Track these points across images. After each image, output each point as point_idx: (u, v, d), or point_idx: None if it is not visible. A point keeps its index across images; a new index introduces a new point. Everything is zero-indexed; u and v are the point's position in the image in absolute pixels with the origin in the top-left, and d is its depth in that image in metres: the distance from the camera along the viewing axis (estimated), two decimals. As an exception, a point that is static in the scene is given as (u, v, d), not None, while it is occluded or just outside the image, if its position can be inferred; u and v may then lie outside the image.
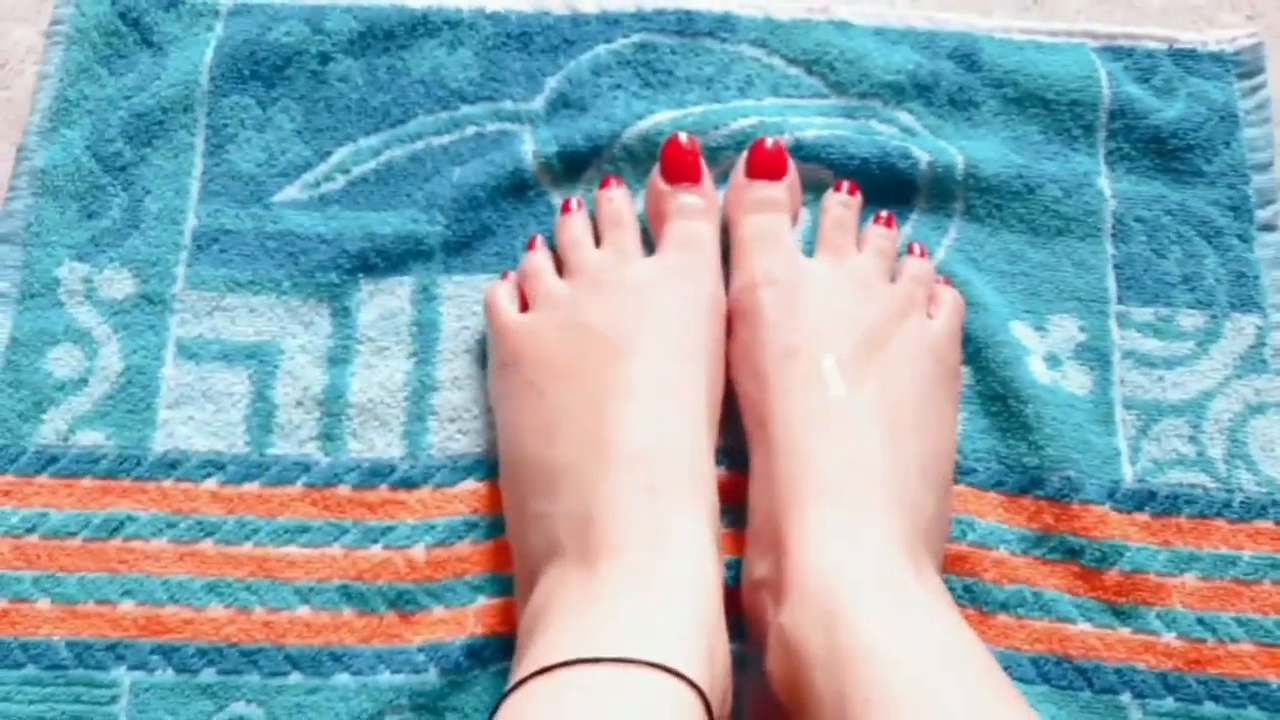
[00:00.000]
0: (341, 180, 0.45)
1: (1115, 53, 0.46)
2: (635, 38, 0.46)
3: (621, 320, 0.38)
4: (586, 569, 0.33)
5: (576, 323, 0.39)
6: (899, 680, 0.28)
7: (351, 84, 0.46)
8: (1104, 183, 0.44)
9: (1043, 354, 0.42)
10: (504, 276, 0.43)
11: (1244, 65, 0.46)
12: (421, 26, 0.46)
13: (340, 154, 0.45)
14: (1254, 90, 0.46)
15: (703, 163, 0.42)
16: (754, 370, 0.38)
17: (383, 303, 0.43)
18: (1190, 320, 0.43)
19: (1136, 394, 0.42)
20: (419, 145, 0.45)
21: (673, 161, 0.42)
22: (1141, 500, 0.41)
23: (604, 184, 0.43)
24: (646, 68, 0.46)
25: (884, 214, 0.43)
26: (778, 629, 0.32)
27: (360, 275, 0.43)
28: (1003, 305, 0.43)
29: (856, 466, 0.35)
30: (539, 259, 0.42)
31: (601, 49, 0.46)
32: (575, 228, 0.42)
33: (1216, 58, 0.46)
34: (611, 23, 0.46)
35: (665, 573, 0.32)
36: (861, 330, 0.38)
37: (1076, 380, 0.42)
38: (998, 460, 0.41)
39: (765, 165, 0.42)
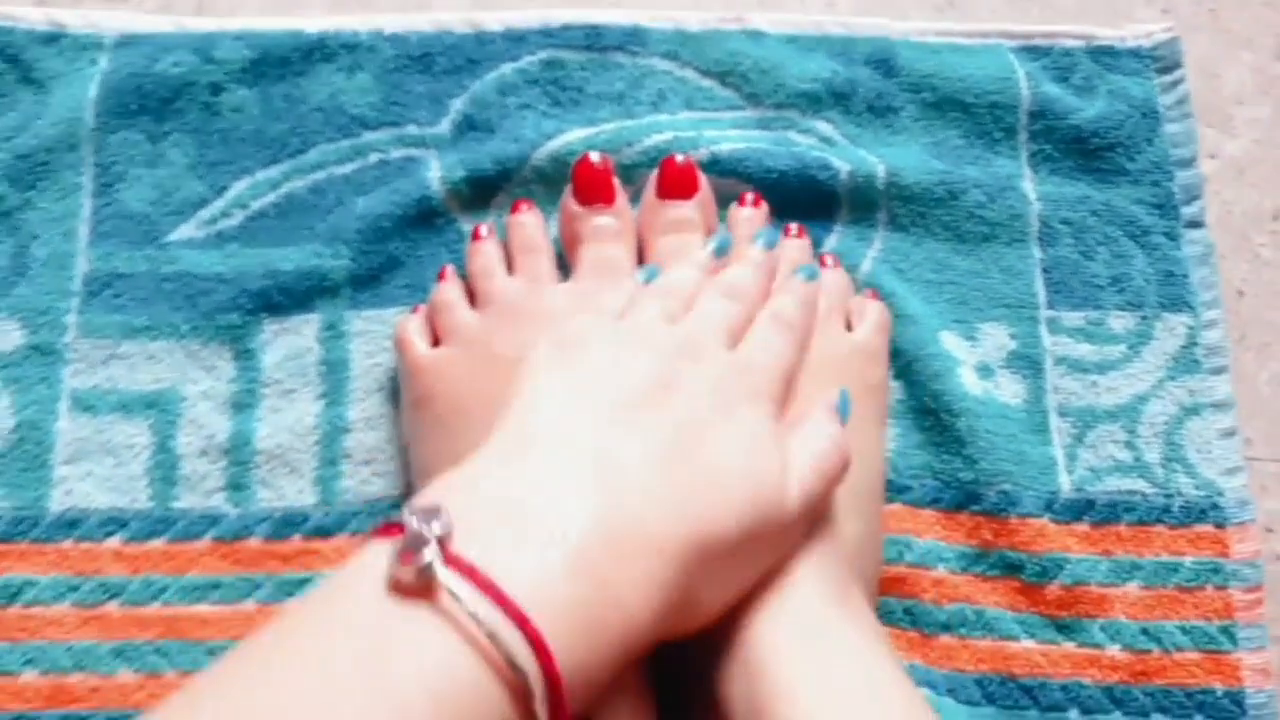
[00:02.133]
0: (239, 216, 0.43)
1: (1033, 52, 0.45)
2: (542, 55, 0.44)
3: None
4: None
5: (489, 355, 0.37)
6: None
7: (246, 114, 0.44)
8: (1028, 185, 0.44)
9: (974, 364, 0.41)
10: (414, 310, 0.41)
11: (1162, 60, 0.45)
12: (318, 51, 0.44)
13: (237, 188, 0.43)
14: (1173, 85, 0.45)
15: (616, 182, 0.41)
16: None
17: (288, 343, 0.41)
18: (1121, 322, 0.42)
19: (1070, 401, 0.41)
20: (320, 175, 0.43)
21: (585, 182, 0.40)
22: (1080, 510, 0.40)
23: (514, 208, 0.42)
24: (555, 85, 0.44)
25: (794, 226, 0.41)
26: (703, 682, 0.31)
27: (263, 315, 0.41)
28: (931, 316, 0.42)
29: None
30: (449, 290, 0.40)
31: (507, 68, 0.44)
32: (486, 256, 0.40)
33: (1135, 54, 0.45)
34: (517, 40, 0.45)
35: None
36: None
37: (1009, 389, 0.41)
38: (933, 476, 0.40)
39: (675, 184, 0.40)
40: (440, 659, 0.23)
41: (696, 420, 0.29)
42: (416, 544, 0.24)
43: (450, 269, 0.41)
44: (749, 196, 0.41)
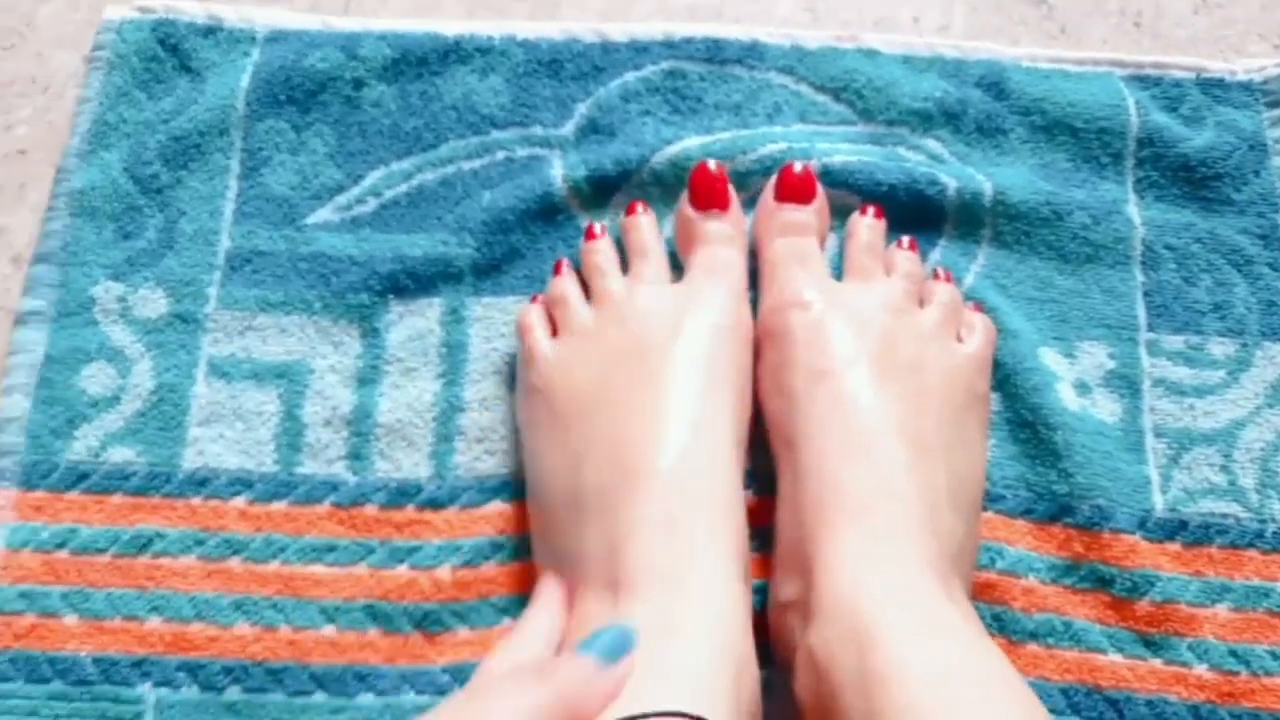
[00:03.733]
0: (373, 203, 0.45)
1: (1143, 81, 0.46)
2: (664, 65, 0.46)
3: (644, 348, 0.38)
4: (611, 598, 0.33)
5: (602, 351, 0.39)
6: (930, 702, 0.28)
7: (384, 109, 0.46)
8: (1133, 210, 0.44)
9: (1072, 381, 0.42)
10: (534, 299, 0.43)
11: (1272, 94, 0.46)
12: (454, 53, 0.47)
13: (372, 177, 0.45)
14: (1283, 119, 0.46)
15: (730, 189, 0.42)
16: (783, 391, 0.38)
17: (412, 324, 0.44)
18: (1221, 348, 0.43)
19: (1167, 422, 0.42)
20: (450, 169, 0.45)
21: (701, 188, 0.42)
22: (1173, 530, 0.40)
23: (630, 210, 0.44)
24: (675, 94, 0.46)
25: (907, 239, 0.43)
26: (806, 650, 0.32)
27: (390, 296, 0.44)
28: (1031, 332, 0.43)
29: (885, 490, 0.35)
30: (566, 285, 0.42)
31: (630, 76, 0.46)
32: (601, 254, 0.42)
33: (1245, 87, 0.46)
34: (641, 50, 0.47)
35: (682, 612, 0.32)
36: (891, 354, 0.38)
37: (1106, 407, 0.42)
38: (1027, 487, 0.41)
39: (794, 189, 0.42)
40: None
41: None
42: None
43: (566, 263, 0.43)
44: (870, 208, 0.43)
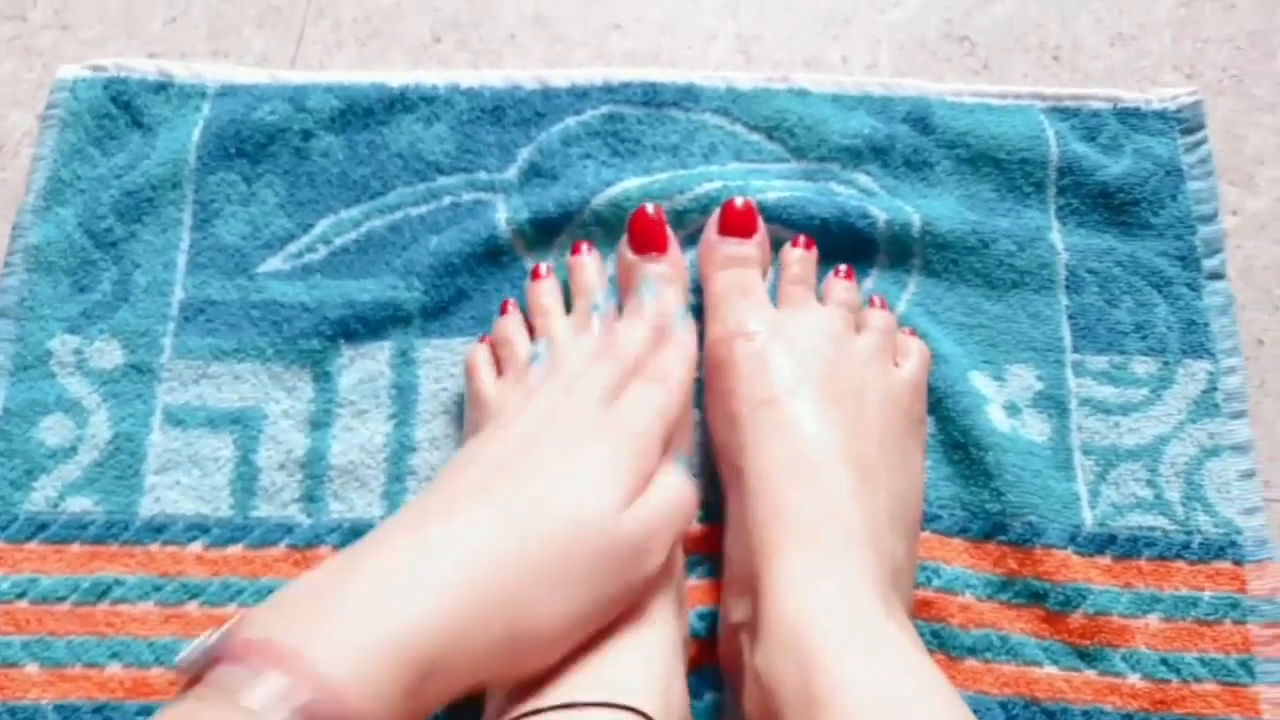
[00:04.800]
0: (323, 251, 0.46)
1: (1062, 113, 0.48)
2: (603, 109, 0.48)
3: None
4: None
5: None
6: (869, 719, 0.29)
7: (333, 159, 0.48)
8: (1056, 237, 0.46)
9: (1002, 402, 0.44)
10: (482, 339, 0.44)
11: (1186, 121, 0.48)
12: (399, 103, 0.48)
13: (322, 225, 0.47)
14: (1196, 145, 0.47)
15: (669, 231, 0.44)
16: (729, 419, 0.39)
17: (363, 367, 0.45)
18: (1144, 367, 0.44)
19: (1094, 440, 0.43)
20: (398, 215, 0.47)
21: (640, 232, 0.43)
22: (1102, 544, 0.41)
23: (574, 249, 0.45)
24: (614, 137, 0.48)
25: (844, 268, 0.44)
26: (753, 670, 0.33)
27: (341, 341, 0.45)
28: (962, 356, 0.44)
29: (829, 512, 0.36)
30: (511, 326, 0.43)
31: (571, 120, 0.48)
32: (545, 294, 0.43)
33: (1160, 115, 0.48)
34: (580, 95, 0.48)
35: (615, 635, 0.34)
36: (832, 380, 0.39)
37: (1035, 427, 0.43)
38: (961, 507, 0.42)
39: (736, 223, 0.43)
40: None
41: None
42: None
43: (512, 303, 0.44)
44: (801, 239, 0.44)
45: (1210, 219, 0.46)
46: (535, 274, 0.45)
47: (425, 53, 0.51)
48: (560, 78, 0.49)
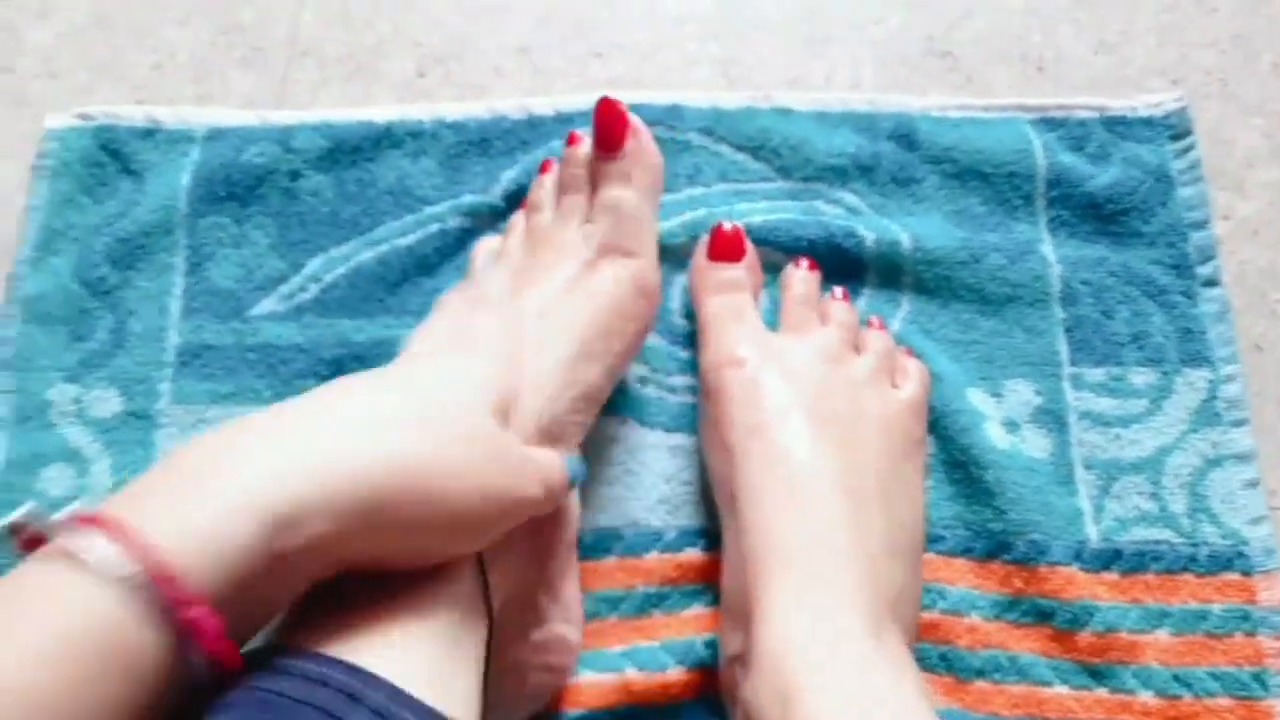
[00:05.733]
0: (314, 289, 0.46)
1: (1049, 124, 0.48)
2: (588, 130, 0.48)
3: (531, 270, 0.40)
4: None
5: (507, 274, 0.41)
6: None
7: (322, 198, 0.48)
8: (1047, 249, 0.46)
9: (1000, 419, 0.43)
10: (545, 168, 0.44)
11: (1173, 128, 0.48)
12: (386, 139, 0.48)
13: (313, 264, 0.47)
14: (1185, 151, 0.47)
15: (634, 124, 0.41)
16: (723, 447, 0.39)
17: (359, 406, 0.45)
18: (1142, 378, 0.44)
19: (1095, 454, 0.43)
20: (385, 247, 0.47)
21: (599, 128, 0.41)
22: (1108, 559, 0.41)
23: (569, 140, 0.43)
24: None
25: (840, 289, 0.44)
26: (743, 703, 0.33)
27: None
28: (958, 373, 0.44)
29: (820, 540, 0.35)
30: (517, 219, 0.44)
31: (557, 144, 0.48)
32: (542, 191, 0.44)
33: (1147, 122, 0.48)
34: (565, 121, 0.48)
35: None
36: (827, 403, 0.39)
37: (1035, 443, 0.43)
38: (964, 527, 0.42)
39: (726, 247, 0.43)
40: (65, 599, 0.23)
41: None
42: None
43: (532, 193, 0.44)
44: (804, 260, 0.45)
45: (1202, 225, 0.46)
46: (544, 167, 0.44)
47: (410, 88, 0.51)
48: (545, 105, 0.49)
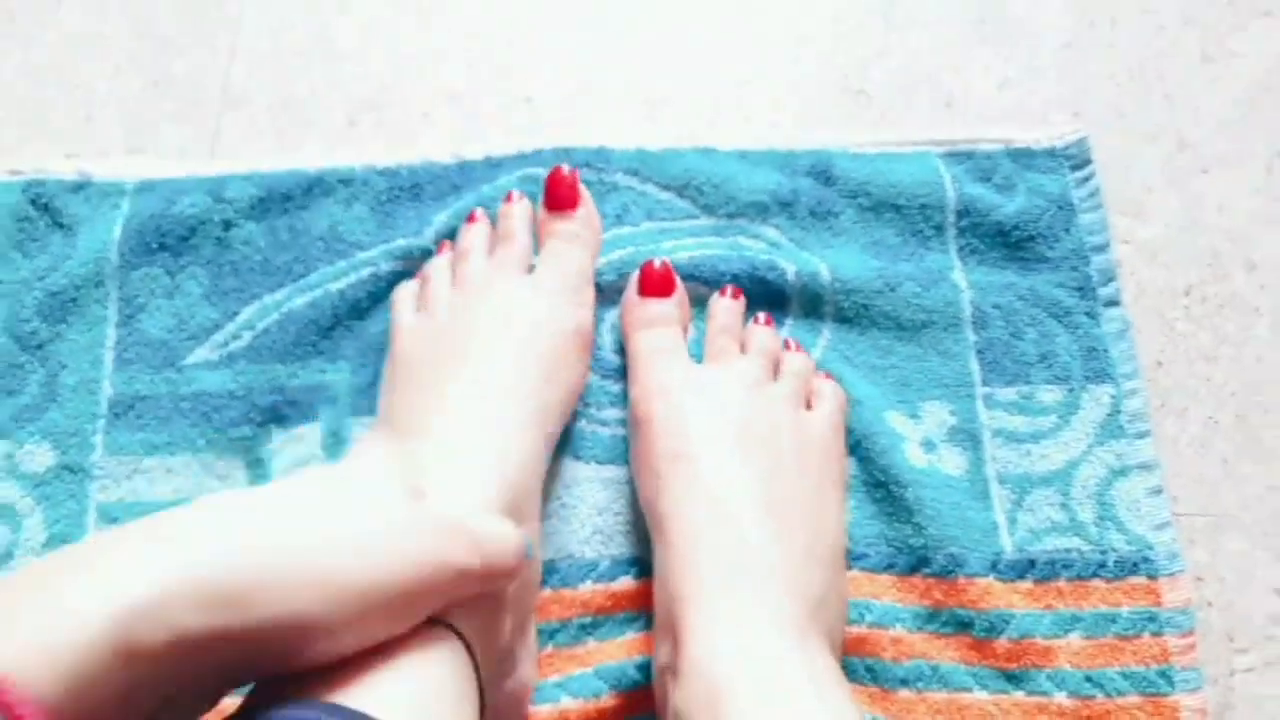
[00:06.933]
0: (248, 337, 0.47)
1: (958, 157, 0.50)
2: (517, 174, 0.49)
3: (478, 327, 0.41)
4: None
5: (446, 326, 0.42)
6: None
7: (254, 246, 0.49)
8: (958, 276, 0.48)
9: (918, 440, 0.45)
10: (416, 277, 0.46)
11: (1074, 158, 0.50)
12: (317, 187, 0.49)
13: (246, 312, 0.47)
14: (1085, 180, 0.50)
15: (582, 189, 0.46)
16: (650, 472, 0.41)
17: (294, 451, 0.45)
18: (1050, 395, 0.46)
19: (1008, 469, 0.45)
20: (318, 292, 0.48)
21: (551, 190, 0.46)
22: (1022, 569, 0.43)
23: (507, 198, 0.47)
24: (531, 200, 0.49)
25: (763, 315, 0.46)
26: (673, 712, 0.34)
27: (272, 427, 0.45)
28: (878, 397, 0.46)
29: (742, 553, 0.37)
30: (438, 266, 0.45)
31: (486, 188, 0.49)
32: (473, 238, 0.46)
33: (1050, 153, 0.51)
34: (495, 165, 0.50)
35: None
36: (748, 429, 0.41)
37: (952, 461, 0.45)
38: (887, 543, 0.44)
39: (655, 283, 0.45)
40: None
41: None
42: None
43: (448, 244, 0.47)
44: (729, 289, 0.47)
45: (1103, 249, 0.49)
46: (470, 218, 0.47)
47: (341, 136, 0.52)
48: (475, 150, 0.50)
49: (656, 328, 0.44)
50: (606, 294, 0.48)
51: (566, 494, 0.44)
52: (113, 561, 0.25)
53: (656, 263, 0.45)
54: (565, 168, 0.46)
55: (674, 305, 0.45)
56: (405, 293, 0.46)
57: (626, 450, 0.45)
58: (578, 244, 0.45)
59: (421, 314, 0.44)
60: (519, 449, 0.38)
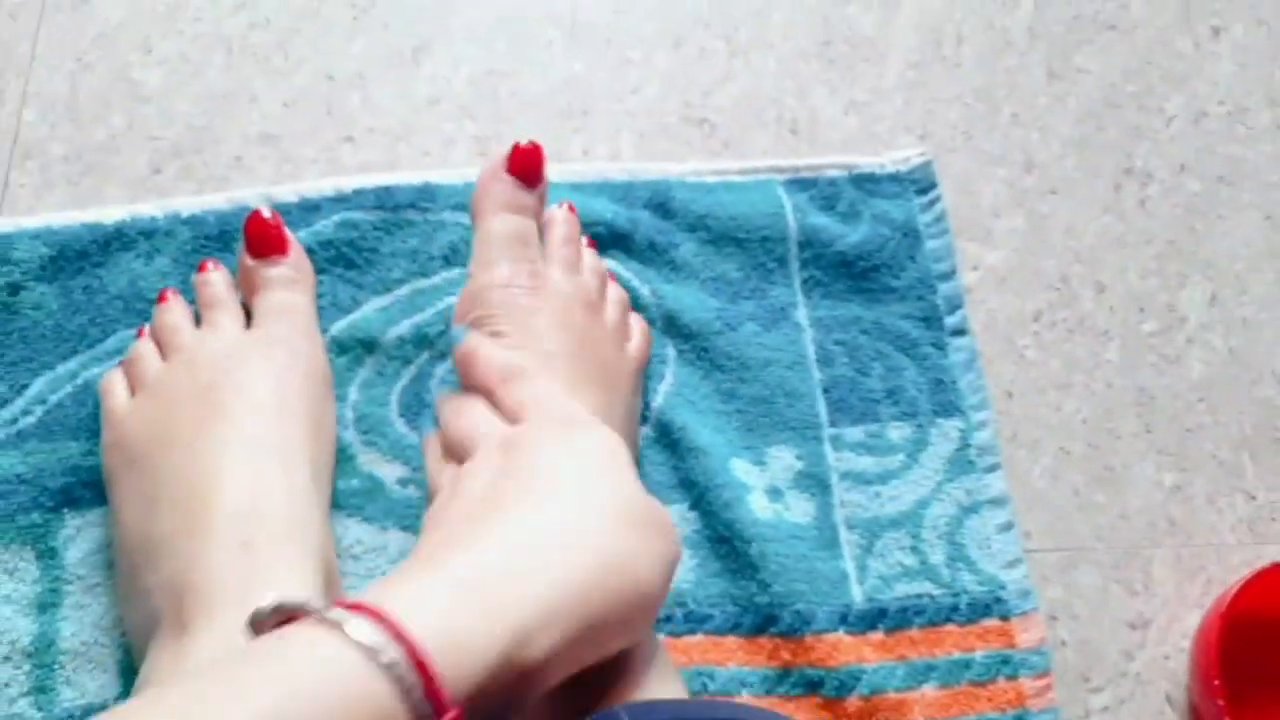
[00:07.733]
0: (38, 412, 0.43)
1: (800, 184, 0.49)
2: (335, 218, 0.46)
3: (211, 390, 0.39)
4: (180, 635, 0.33)
5: (171, 398, 0.39)
6: None
7: (45, 310, 0.44)
8: (801, 313, 0.46)
9: (764, 488, 0.43)
10: (120, 364, 0.43)
11: (919, 182, 0.49)
12: (115, 241, 0.45)
13: (37, 385, 0.43)
14: (931, 204, 0.49)
15: (287, 233, 0.44)
16: (483, 388, 0.38)
17: (91, 536, 0.41)
18: (898, 432, 0.45)
19: (857, 513, 0.43)
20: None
21: (255, 237, 0.43)
22: (873, 619, 0.41)
23: (201, 268, 0.44)
24: (350, 247, 0.46)
25: (585, 238, 0.44)
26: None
27: (65, 511, 0.41)
28: (722, 445, 0.44)
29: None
30: (142, 346, 0.42)
31: (302, 233, 0.46)
32: (172, 314, 0.43)
33: (894, 178, 0.49)
34: (311, 208, 0.46)
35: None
36: (580, 351, 0.39)
37: (799, 509, 0.43)
38: (732, 602, 0.41)
39: (526, 165, 0.41)
40: (314, 662, 0.23)
41: None
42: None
43: (146, 327, 0.43)
44: (566, 203, 0.44)
45: (949, 276, 0.47)
46: (161, 298, 0.43)
47: (144, 185, 0.48)
48: (288, 192, 0.47)
49: (518, 214, 0.40)
50: (436, 347, 0.45)
51: (393, 568, 0.41)
52: (510, 582, 0.27)
53: (524, 141, 0.41)
54: (266, 209, 0.43)
55: (536, 199, 0.41)
56: (115, 378, 0.42)
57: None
58: (297, 289, 0.43)
59: (136, 396, 0.40)
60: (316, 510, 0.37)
